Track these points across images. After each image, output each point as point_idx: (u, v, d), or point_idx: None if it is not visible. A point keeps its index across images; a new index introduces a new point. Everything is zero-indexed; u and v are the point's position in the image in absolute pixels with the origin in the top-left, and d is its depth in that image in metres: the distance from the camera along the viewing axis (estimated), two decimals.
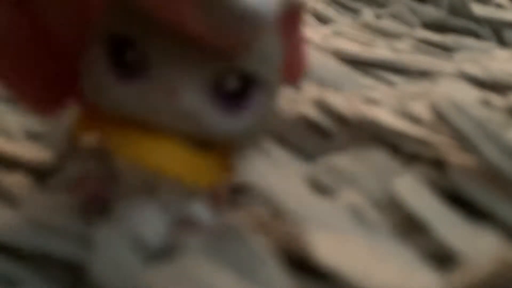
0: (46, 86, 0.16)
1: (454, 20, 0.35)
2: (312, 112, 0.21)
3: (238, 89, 0.13)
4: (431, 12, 0.36)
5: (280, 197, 0.13)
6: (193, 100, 0.13)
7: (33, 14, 0.15)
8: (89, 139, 0.15)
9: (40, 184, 0.18)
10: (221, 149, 0.14)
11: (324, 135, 0.20)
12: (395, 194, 0.15)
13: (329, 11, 0.37)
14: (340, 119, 0.20)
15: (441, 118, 0.19)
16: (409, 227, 0.14)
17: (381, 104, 0.22)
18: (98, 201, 0.15)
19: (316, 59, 0.26)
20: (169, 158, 0.13)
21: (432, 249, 0.14)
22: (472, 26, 0.34)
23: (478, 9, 0.35)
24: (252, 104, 0.14)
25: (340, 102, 0.21)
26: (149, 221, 0.13)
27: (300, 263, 0.13)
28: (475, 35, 0.33)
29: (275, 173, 0.14)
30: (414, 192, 0.16)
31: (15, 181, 0.18)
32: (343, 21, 0.35)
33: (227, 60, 0.13)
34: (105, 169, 0.15)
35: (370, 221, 0.14)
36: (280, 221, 0.13)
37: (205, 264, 0.11)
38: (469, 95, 0.23)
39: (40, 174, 0.18)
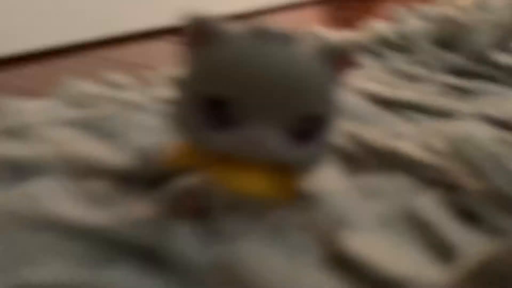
0: None
1: (475, 66, 0.37)
2: (345, 142, 0.24)
3: (308, 127, 0.17)
4: (454, 59, 0.38)
5: (326, 203, 0.17)
6: (275, 143, 0.17)
7: None
8: (187, 164, 0.18)
9: (119, 189, 0.21)
10: (290, 170, 0.18)
11: (355, 162, 0.23)
12: (416, 209, 0.18)
13: (362, 57, 0.40)
14: (369, 149, 0.24)
15: (457, 150, 0.22)
16: (425, 234, 0.17)
17: (405, 138, 0.25)
18: (196, 212, 0.18)
19: (350, 99, 0.29)
20: (255, 182, 0.17)
21: (444, 252, 0.17)
22: (492, 71, 0.36)
23: (498, 57, 0.37)
24: (317, 137, 0.17)
25: (369, 135, 0.24)
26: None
27: (336, 257, 0.16)
28: (494, 80, 0.35)
29: (322, 183, 0.18)
30: (431, 207, 0.19)
31: (102, 185, 0.22)
32: (374, 66, 0.39)
33: (300, 109, 0.17)
34: (199, 189, 0.18)
35: (394, 227, 0.17)
36: (325, 222, 0.17)
37: (261, 248, 0.14)
38: (485, 132, 0.26)
39: (119, 180, 0.22)
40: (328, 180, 0.20)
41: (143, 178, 0.22)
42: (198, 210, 0.18)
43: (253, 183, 0.17)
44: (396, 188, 0.20)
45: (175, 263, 0.17)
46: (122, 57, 0.53)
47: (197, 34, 0.17)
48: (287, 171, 0.18)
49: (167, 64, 0.38)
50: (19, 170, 0.23)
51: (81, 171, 0.23)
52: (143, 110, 0.30)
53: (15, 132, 0.27)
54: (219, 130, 0.17)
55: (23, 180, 0.21)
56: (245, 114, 0.17)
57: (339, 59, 0.18)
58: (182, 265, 0.16)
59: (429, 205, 0.18)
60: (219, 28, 0.17)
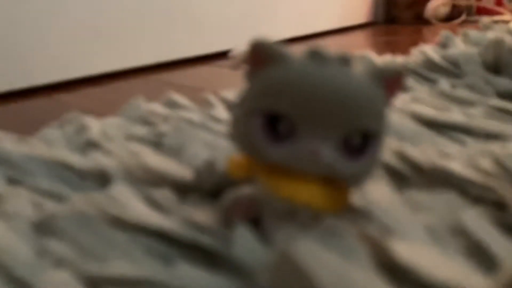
0: None
1: None
2: (393, 161, 0.25)
3: (360, 143, 0.18)
4: (502, 82, 0.39)
5: (375, 214, 0.18)
6: (329, 156, 0.18)
7: None
8: (245, 176, 0.20)
9: (181, 197, 0.24)
10: (342, 184, 0.19)
11: (402, 179, 0.24)
12: (463, 224, 0.19)
13: (409, 80, 0.41)
14: (416, 167, 0.24)
15: (504, 169, 0.23)
16: (471, 248, 0.18)
17: (452, 157, 0.26)
18: (248, 218, 0.20)
19: (397, 120, 0.30)
20: (307, 192, 0.18)
21: (486, 262, 0.17)
22: None
23: None
24: (369, 152, 0.18)
25: (417, 153, 0.25)
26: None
27: (386, 263, 0.17)
28: None
29: (373, 193, 0.19)
30: (479, 223, 0.19)
31: (167, 194, 0.23)
32: (422, 90, 0.39)
33: (354, 125, 0.18)
34: (254, 197, 0.20)
35: (441, 239, 0.18)
36: (374, 230, 0.18)
37: (316, 249, 0.15)
38: None
39: (181, 190, 0.24)
40: (377, 193, 0.21)
41: (204, 188, 0.24)
42: (250, 218, 0.20)
43: (305, 193, 0.18)
44: (443, 204, 0.21)
45: (233, 263, 0.18)
46: (178, 80, 0.56)
47: (257, 55, 0.19)
48: (338, 184, 0.19)
49: (220, 86, 0.40)
50: (102, 178, 0.26)
51: (150, 180, 0.25)
52: (203, 128, 0.32)
53: (95, 145, 0.30)
54: (277, 143, 0.18)
55: (105, 186, 0.23)
56: (302, 128, 0.18)
57: (390, 80, 0.19)
58: (240, 265, 0.18)
59: (477, 221, 0.19)
60: (278, 50, 0.18)
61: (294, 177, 0.19)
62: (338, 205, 0.19)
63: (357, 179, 0.19)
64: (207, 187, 0.24)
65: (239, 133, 0.19)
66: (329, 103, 0.18)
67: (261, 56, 0.19)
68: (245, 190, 0.20)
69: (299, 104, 0.18)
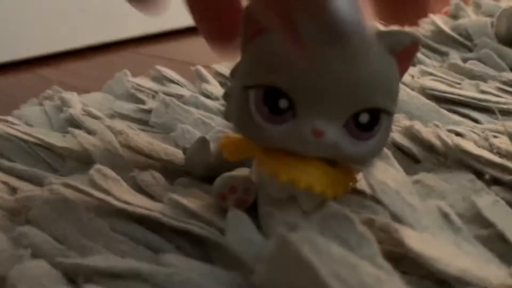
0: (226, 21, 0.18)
1: None
2: (403, 139, 0.23)
3: (369, 121, 0.16)
4: None
5: (384, 199, 0.16)
6: (334, 136, 0.16)
7: None
8: (240, 158, 0.18)
9: (170, 181, 0.22)
10: (346, 164, 0.18)
11: (413, 160, 0.23)
12: (478, 208, 0.18)
13: (418, 53, 0.39)
14: (427, 146, 0.23)
15: None
16: (486, 233, 0.17)
17: (465, 136, 0.24)
18: (243, 205, 0.18)
19: (405, 95, 0.29)
20: (310, 176, 0.16)
21: (504, 252, 0.16)
22: None
23: None
24: (378, 131, 0.17)
25: (427, 132, 0.23)
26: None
27: (393, 252, 0.15)
28: None
29: (378, 179, 0.17)
30: (493, 208, 0.18)
31: (155, 176, 0.22)
32: (432, 63, 0.37)
33: (362, 102, 0.16)
34: (250, 181, 0.18)
35: (454, 224, 0.17)
36: (381, 218, 0.16)
37: (320, 238, 0.14)
38: None
39: (170, 173, 0.23)
40: (386, 176, 0.19)
41: (196, 171, 0.22)
42: (244, 202, 0.18)
43: (307, 177, 0.16)
44: (456, 186, 0.20)
45: (226, 253, 0.17)
46: (168, 53, 0.54)
47: (252, 23, 0.17)
48: (342, 166, 0.17)
49: (213, 59, 0.38)
50: (84, 159, 0.24)
51: (136, 162, 0.24)
52: (194, 105, 0.30)
53: (77, 123, 0.28)
54: (276, 123, 0.16)
55: (87, 168, 0.21)
56: (304, 107, 0.16)
57: (404, 50, 0.17)
58: (233, 255, 0.16)
59: (493, 206, 0.18)
60: None
61: (294, 159, 0.17)
62: (342, 189, 0.18)
63: (363, 160, 0.17)
64: (199, 170, 0.22)
65: (234, 111, 0.17)
66: (334, 78, 0.16)
67: (256, 23, 0.16)
68: (241, 174, 0.19)
69: (300, 80, 0.16)
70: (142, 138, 0.25)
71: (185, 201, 0.19)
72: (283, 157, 0.17)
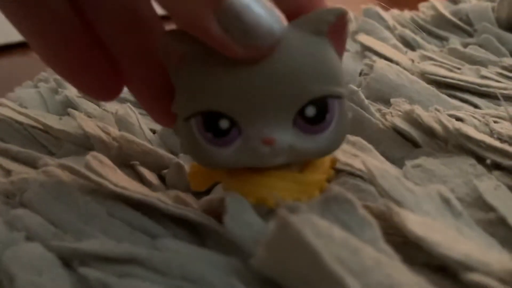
0: (101, 78, 0.18)
1: None
2: (402, 124, 0.23)
3: (317, 112, 0.15)
4: None
5: (381, 184, 0.16)
6: (286, 139, 0.15)
7: (88, 21, 0.17)
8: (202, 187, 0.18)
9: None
10: (311, 162, 0.17)
11: (413, 145, 0.23)
12: (479, 193, 0.17)
13: (417, 37, 0.39)
14: (427, 131, 0.23)
15: None
16: (487, 219, 0.16)
17: (465, 121, 0.24)
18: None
19: (406, 80, 0.28)
20: (279, 190, 0.16)
21: (506, 237, 0.16)
22: None
23: None
24: (333, 118, 0.15)
25: (428, 117, 0.23)
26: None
27: (394, 236, 0.15)
28: None
29: (378, 165, 0.17)
30: (495, 193, 0.18)
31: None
32: (431, 48, 0.37)
33: (303, 97, 0.15)
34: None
35: (455, 209, 0.16)
36: (381, 201, 0.16)
37: (321, 221, 0.13)
38: None
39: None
40: (384, 162, 0.19)
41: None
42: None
43: (277, 192, 0.16)
44: (457, 171, 0.19)
45: (224, 238, 0.17)
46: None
47: (173, 52, 0.16)
48: (312, 164, 0.17)
49: None
50: (81, 142, 0.24)
51: (133, 149, 0.23)
52: None
53: (73, 106, 0.28)
54: (224, 145, 0.16)
55: (84, 151, 0.21)
56: (246, 121, 0.15)
57: (332, 26, 0.15)
58: (231, 239, 0.16)
59: (494, 191, 0.17)
60: (189, 41, 0.15)
61: (258, 176, 0.16)
62: (317, 189, 0.17)
63: (328, 151, 0.16)
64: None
65: (184, 143, 0.17)
66: (265, 82, 0.15)
67: (174, 54, 0.16)
68: (220, 196, 0.18)
69: (231, 95, 0.15)
70: (136, 148, 0.24)
71: (181, 194, 0.19)
72: (246, 176, 0.16)
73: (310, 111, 0.15)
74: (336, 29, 0.15)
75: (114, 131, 0.24)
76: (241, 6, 0.14)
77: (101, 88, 0.18)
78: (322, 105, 0.15)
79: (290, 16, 0.15)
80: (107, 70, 0.18)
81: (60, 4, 0.16)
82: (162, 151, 0.24)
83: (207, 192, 0.21)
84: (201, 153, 0.16)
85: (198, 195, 0.20)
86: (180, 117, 0.16)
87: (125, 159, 0.23)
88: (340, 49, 0.16)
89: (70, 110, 0.26)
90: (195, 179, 0.18)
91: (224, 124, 0.15)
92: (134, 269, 0.15)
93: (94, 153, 0.20)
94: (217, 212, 0.18)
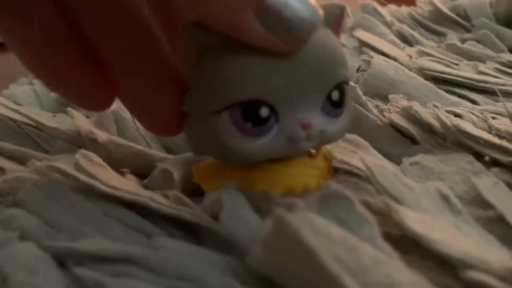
0: (91, 88, 0.17)
1: None
2: (400, 121, 0.23)
3: (340, 96, 0.17)
4: None
5: (380, 180, 0.16)
6: (320, 123, 0.16)
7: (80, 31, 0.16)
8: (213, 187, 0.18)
9: None
10: (320, 152, 0.18)
11: (411, 141, 0.23)
12: (478, 190, 0.17)
13: (415, 33, 0.38)
14: (426, 127, 0.23)
15: None
16: (486, 216, 0.16)
17: (463, 117, 0.24)
18: None
19: (404, 76, 0.28)
20: (305, 177, 0.17)
21: (505, 234, 0.16)
22: None
23: None
24: (346, 102, 0.17)
25: (426, 113, 0.23)
26: None
27: (392, 233, 0.15)
28: None
29: (376, 162, 0.16)
30: (494, 190, 0.18)
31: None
32: (429, 43, 0.37)
33: (332, 81, 0.16)
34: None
35: (454, 206, 0.16)
36: (379, 199, 0.15)
37: (317, 218, 0.13)
38: None
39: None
40: (382, 159, 0.19)
41: None
42: None
43: (302, 179, 0.17)
44: (455, 168, 0.19)
45: (220, 236, 0.16)
46: None
47: (190, 49, 0.16)
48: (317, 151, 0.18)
49: None
50: (76, 140, 0.23)
51: (128, 148, 0.23)
52: None
53: (67, 103, 0.28)
54: (261, 135, 0.16)
55: (79, 149, 0.21)
56: (284, 106, 0.16)
57: (335, 21, 0.17)
58: (227, 236, 0.16)
59: (493, 188, 0.17)
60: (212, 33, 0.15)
61: (278, 165, 0.17)
62: (328, 175, 0.18)
63: (344, 132, 0.17)
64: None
65: (203, 141, 0.17)
66: (301, 68, 0.15)
67: (195, 45, 0.16)
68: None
69: (271, 82, 0.15)
70: (125, 151, 0.23)
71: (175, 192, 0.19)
72: (267, 169, 0.17)
73: (335, 95, 0.16)
74: (337, 21, 0.17)
75: (102, 135, 0.23)
76: (281, 4, 0.14)
77: (91, 99, 0.18)
78: (342, 89, 0.17)
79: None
80: (98, 80, 0.17)
81: (46, 11, 0.16)
82: (152, 152, 0.23)
83: (201, 195, 0.21)
84: (231, 148, 0.16)
85: (192, 197, 0.20)
86: (201, 113, 0.16)
87: (115, 164, 0.22)
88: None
89: (69, 109, 0.26)
90: (205, 181, 0.18)
91: (264, 112, 0.16)
92: (130, 268, 0.14)
93: (84, 151, 0.20)
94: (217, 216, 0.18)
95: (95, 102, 0.18)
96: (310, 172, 0.17)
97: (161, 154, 0.23)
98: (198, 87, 0.16)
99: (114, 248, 0.15)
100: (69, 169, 0.18)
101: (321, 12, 0.15)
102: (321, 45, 0.16)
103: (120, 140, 0.23)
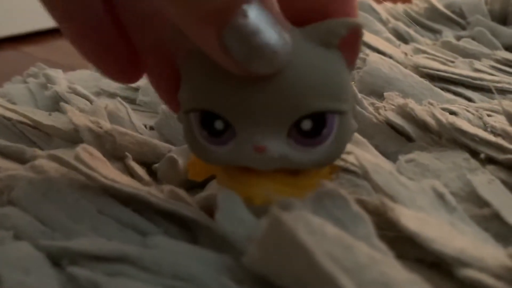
0: (122, 63, 0.18)
1: None
2: (395, 118, 0.23)
3: (313, 127, 0.15)
4: (510, 33, 0.36)
5: (375, 179, 0.16)
6: (278, 149, 0.15)
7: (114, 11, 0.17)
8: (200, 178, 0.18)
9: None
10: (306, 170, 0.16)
11: (407, 139, 0.23)
12: (474, 187, 0.17)
13: (410, 30, 0.38)
14: (421, 125, 0.23)
15: None
16: (481, 213, 0.16)
17: (459, 115, 0.24)
18: None
19: (400, 73, 0.28)
20: (266, 190, 0.16)
21: (500, 232, 0.16)
22: None
23: None
24: (330, 133, 0.15)
25: (421, 110, 0.23)
26: None
27: (388, 232, 0.15)
28: None
29: (371, 160, 0.16)
30: (490, 187, 0.18)
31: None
32: (425, 40, 0.37)
33: (300, 109, 0.14)
34: None
35: (449, 204, 0.16)
36: (374, 197, 0.16)
37: (312, 217, 0.13)
38: None
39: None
40: (377, 157, 0.19)
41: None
42: None
43: (261, 193, 0.16)
44: (451, 165, 0.19)
45: (217, 233, 0.16)
46: None
47: (180, 45, 0.16)
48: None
49: None
50: (71, 138, 0.23)
51: (123, 144, 0.23)
52: None
53: (62, 101, 0.27)
54: (218, 144, 0.15)
55: (74, 146, 0.21)
56: (240, 125, 0.15)
57: (346, 38, 0.14)
58: (225, 232, 0.15)
59: (489, 186, 0.17)
60: None
61: (250, 175, 0.16)
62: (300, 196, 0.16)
63: (321, 164, 0.16)
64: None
65: (183, 131, 0.16)
66: (263, 91, 0.14)
67: (184, 44, 0.15)
68: (214, 193, 0.18)
69: (229, 99, 0.15)
70: (130, 140, 0.24)
71: (175, 188, 0.19)
72: (238, 174, 0.16)
73: (306, 125, 0.15)
74: (348, 41, 0.15)
75: (106, 124, 0.24)
76: (251, 31, 0.13)
77: (121, 72, 0.19)
78: (320, 120, 0.15)
79: (301, 20, 0.14)
80: (129, 57, 0.18)
81: None
82: (156, 141, 0.23)
83: (202, 186, 0.21)
84: (198, 147, 0.16)
85: (191, 190, 0.20)
86: (182, 107, 0.16)
87: (120, 150, 0.23)
88: (351, 60, 0.15)
89: (61, 104, 0.26)
90: (194, 169, 0.18)
91: (219, 125, 0.15)
92: (125, 268, 0.14)
93: (84, 145, 0.20)
94: (213, 208, 0.18)
95: (125, 75, 0.19)
96: (282, 188, 0.16)
97: (165, 144, 0.23)
98: (182, 83, 0.16)
99: (109, 247, 0.15)
100: (70, 160, 0.18)
101: (290, 48, 0.14)
102: (295, 69, 0.14)
103: (124, 129, 0.23)
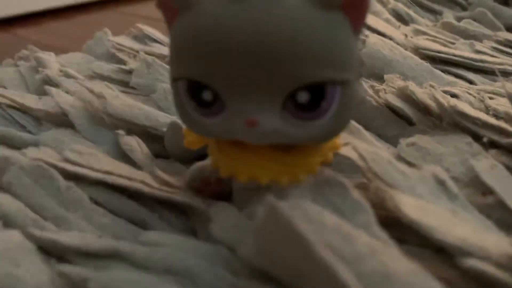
0: None
1: None
2: (395, 101, 0.22)
3: (311, 99, 0.13)
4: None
5: (373, 168, 0.15)
6: (271, 123, 0.13)
7: None
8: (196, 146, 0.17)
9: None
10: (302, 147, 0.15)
11: (407, 122, 0.22)
12: (476, 172, 0.17)
13: (410, 11, 0.38)
14: (422, 108, 0.22)
15: None
16: (484, 200, 0.16)
17: (460, 97, 0.23)
18: (219, 196, 0.17)
19: (400, 55, 0.27)
20: (268, 172, 0.15)
21: (503, 219, 0.15)
22: None
23: None
24: (331, 106, 0.13)
25: (422, 93, 0.22)
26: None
27: (388, 220, 0.15)
28: None
29: (368, 149, 0.16)
30: (492, 172, 0.17)
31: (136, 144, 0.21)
32: (423, 22, 0.36)
33: (297, 77, 0.13)
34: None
35: (450, 191, 0.16)
36: (374, 185, 0.15)
37: (310, 205, 0.13)
38: None
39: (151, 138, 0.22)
40: (372, 144, 0.18)
41: (173, 154, 0.22)
42: (220, 194, 0.17)
43: (265, 173, 0.15)
44: (453, 149, 0.19)
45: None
46: (152, 13, 0.52)
47: (167, 4, 0.14)
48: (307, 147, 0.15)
49: None
50: (62, 122, 0.23)
51: (116, 125, 0.22)
52: None
53: (54, 85, 0.27)
54: (207, 116, 0.14)
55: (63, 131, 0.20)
56: (229, 96, 0.14)
57: (352, 1, 0.13)
58: (220, 239, 0.15)
59: (491, 170, 0.17)
60: None
61: (249, 150, 0.15)
62: (305, 172, 0.15)
63: (319, 139, 0.14)
64: (175, 153, 0.21)
65: (173, 99, 0.15)
66: (254, 58, 0.13)
67: (170, 4, 0.14)
68: (208, 166, 0.17)
69: (217, 67, 0.13)
70: (121, 102, 0.23)
71: (165, 176, 0.18)
72: (227, 148, 0.15)
73: (302, 97, 0.13)
74: (352, 2, 0.13)
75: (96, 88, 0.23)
76: None
77: None
78: (318, 91, 0.13)
79: None
80: None
81: None
82: (148, 107, 0.23)
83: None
84: (188, 118, 0.15)
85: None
86: (170, 73, 0.15)
87: (113, 117, 0.22)
88: (357, 24, 0.14)
89: (47, 87, 0.25)
90: (188, 137, 0.17)
91: (207, 95, 0.14)
92: (116, 264, 0.14)
93: (72, 146, 0.19)
94: (208, 181, 0.17)
95: None
96: (273, 166, 0.15)
97: (160, 112, 0.23)
98: (170, 48, 0.15)
99: (100, 243, 0.14)
100: (58, 162, 0.17)
101: None
102: (291, 33, 0.13)
103: (115, 92, 0.23)
